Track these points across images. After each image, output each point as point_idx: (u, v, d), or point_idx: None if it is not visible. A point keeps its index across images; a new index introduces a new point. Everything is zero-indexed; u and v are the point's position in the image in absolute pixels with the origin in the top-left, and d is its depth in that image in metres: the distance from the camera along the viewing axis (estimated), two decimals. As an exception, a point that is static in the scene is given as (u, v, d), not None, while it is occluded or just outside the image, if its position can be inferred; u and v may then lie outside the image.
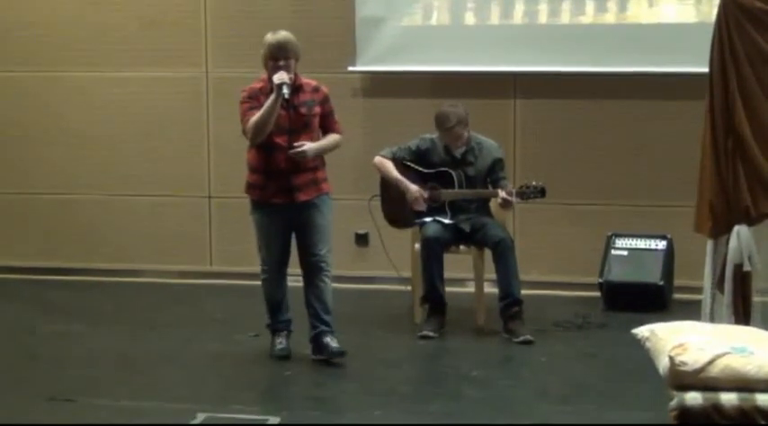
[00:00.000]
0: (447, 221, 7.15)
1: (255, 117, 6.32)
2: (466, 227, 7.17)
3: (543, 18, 7.93)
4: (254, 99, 6.41)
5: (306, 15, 8.22)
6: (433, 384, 6.29)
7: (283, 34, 6.39)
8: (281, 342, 6.62)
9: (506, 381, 6.29)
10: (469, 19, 8.06)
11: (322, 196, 6.51)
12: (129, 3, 8.51)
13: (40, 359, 6.70)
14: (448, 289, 7.15)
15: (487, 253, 7.19)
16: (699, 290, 6.38)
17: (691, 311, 6.37)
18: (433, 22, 8.13)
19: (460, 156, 7.19)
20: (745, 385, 4.52)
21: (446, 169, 7.17)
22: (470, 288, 7.44)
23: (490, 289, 7.27)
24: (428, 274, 7.04)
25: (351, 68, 8.09)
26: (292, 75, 6.35)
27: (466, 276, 7.53)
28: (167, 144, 8.57)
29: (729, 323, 5.92)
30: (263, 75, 6.47)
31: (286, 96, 6.27)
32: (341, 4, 8.14)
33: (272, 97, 6.28)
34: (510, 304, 6.98)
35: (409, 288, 7.52)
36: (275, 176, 6.41)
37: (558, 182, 7.66)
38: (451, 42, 8.06)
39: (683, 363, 4.56)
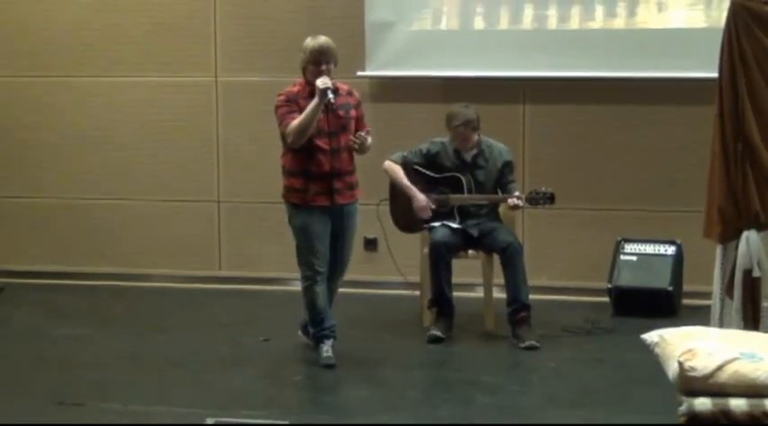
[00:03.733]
0: (455, 226, 7.15)
1: (297, 121, 6.34)
2: (474, 232, 7.17)
3: (552, 23, 7.93)
4: (292, 103, 6.43)
5: (315, 20, 8.21)
6: (442, 389, 6.28)
7: (324, 39, 6.44)
8: (327, 351, 6.55)
9: (515, 386, 6.29)
10: (479, 24, 8.06)
11: (355, 203, 6.64)
12: (138, 8, 8.53)
13: (49, 363, 6.71)
14: (457, 294, 7.15)
15: (496, 258, 7.19)
16: (708, 296, 6.38)
17: (700, 316, 6.37)
18: (443, 27, 8.13)
19: (471, 160, 7.19)
20: (754, 390, 4.51)
21: (455, 174, 7.16)
22: (479, 293, 7.44)
23: (499, 294, 7.27)
24: (436, 279, 7.04)
25: (360, 73, 8.09)
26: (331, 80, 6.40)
27: (475, 281, 7.52)
28: (176, 148, 8.59)
29: (738, 328, 5.91)
30: (300, 79, 6.50)
31: (332, 100, 6.31)
32: (350, 9, 8.15)
33: (316, 101, 6.30)
34: (518, 309, 6.98)
35: (417, 292, 7.51)
36: (317, 178, 6.45)
37: (567, 188, 7.67)
38: (461, 47, 8.06)
39: (693, 368, 4.55)
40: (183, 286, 8.58)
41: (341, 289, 7.94)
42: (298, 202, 6.51)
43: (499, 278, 7.17)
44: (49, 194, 8.80)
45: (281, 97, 6.47)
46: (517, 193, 7.06)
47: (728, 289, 6.10)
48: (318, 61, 6.35)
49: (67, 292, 8.44)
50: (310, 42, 6.41)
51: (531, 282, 7.11)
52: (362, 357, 6.67)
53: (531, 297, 7.06)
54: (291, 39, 8.27)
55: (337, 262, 6.63)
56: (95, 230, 8.75)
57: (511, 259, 7.01)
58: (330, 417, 5.81)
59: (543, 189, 7.11)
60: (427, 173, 7.24)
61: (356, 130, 6.56)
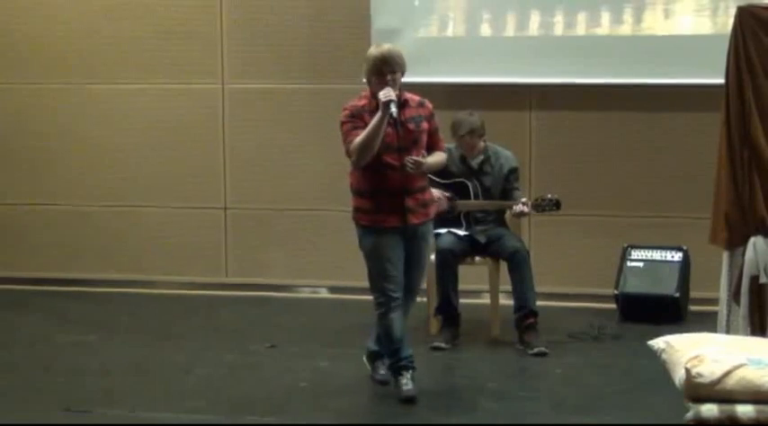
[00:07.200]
0: (462, 232, 7.15)
1: (360, 137, 5.86)
2: (481, 239, 7.17)
3: (559, 30, 7.93)
4: (357, 118, 5.95)
5: (321, 27, 8.24)
6: (449, 395, 6.28)
7: (387, 47, 6.02)
8: (406, 383, 6.07)
9: (522, 393, 6.28)
10: (485, 31, 8.06)
11: (428, 223, 6.18)
12: (145, 15, 8.54)
13: (55, 369, 6.72)
14: (464, 301, 7.15)
15: (503, 265, 7.19)
16: (715, 302, 6.38)
17: (707, 323, 6.36)
18: (449, 33, 8.14)
19: (477, 166, 7.20)
20: (761, 397, 4.51)
21: (462, 180, 7.17)
22: (486, 300, 7.43)
23: (506, 301, 7.27)
24: (442, 286, 7.03)
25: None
26: (398, 91, 5.94)
27: (482, 287, 7.52)
28: (183, 155, 8.59)
29: (745, 334, 5.92)
30: (365, 91, 6.06)
31: (394, 115, 5.84)
32: (357, 16, 8.15)
33: (379, 115, 5.83)
34: (525, 315, 6.97)
35: (424, 299, 7.51)
36: (387, 197, 5.98)
37: (573, 194, 7.67)
38: (467, 54, 8.06)
39: (699, 375, 4.56)
40: (190, 292, 8.58)
41: (347, 295, 8.03)
42: (367, 224, 6.04)
43: (505, 284, 7.18)
44: (55, 201, 8.81)
45: (346, 112, 6.00)
46: (524, 200, 7.06)
47: (735, 295, 6.10)
48: (382, 71, 5.89)
49: (74, 299, 8.44)
50: (373, 51, 5.99)
51: (537, 288, 7.10)
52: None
53: (538, 303, 7.06)
54: (298, 45, 8.32)
55: (408, 287, 6.15)
56: (102, 237, 8.76)
57: (518, 265, 7.00)
58: (336, 423, 5.82)
59: (549, 195, 7.11)
60: (434, 178, 7.23)
61: (429, 144, 6.11)
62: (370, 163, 5.93)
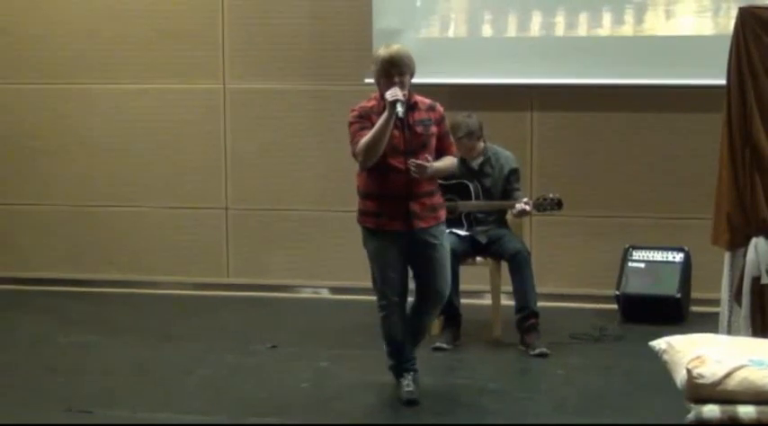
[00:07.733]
0: (463, 233, 7.15)
1: (366, 138, 5.79)
2: (482, 239, 7.17)
3: (560, 30, 7.93)
4: (365, 118, 5.87)
5: (323, 27, 8.24)
6: (450, 396, 6.27)
7: (396, 47, 5.92)
8: (408, 384, 6.07)
9: (523, 393, 6.28)
10: (486, 31, 8.06)
11: (440, 226, 6.05)
12: (145, 15, 8.53)
13: (57, 370, 6.71)
14: (465, 301, 7.15)
15: (504, 266, 7.19)
16: (716, 303, 6.38)
17: (708, 323, 6.36)
18: (450, 34, 8.14)
19: (478, 167, 7.19)
20: (762, 397, 4.51)
21: (463, 181, 7.16)
22: (487, 301, 7.43)
23: (507, 302, 7.26)
24: (444, 286, 7.04)
25: (368, 80, 8.05)
26: (406, 92, 5.85)
27: (483, 288, 7.51)
28: (184, 155, 8.59)
29: (747, 335, 5.92)
30: (374, 93, 6.00)
31: (400, 115, 5.76)
32: (358, 16, 8.15)
33: (385, 116, 5.76)
34: (526, 316, 6.97)
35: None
36: (391, 201, 5.91)
37: (574, 195, 7.66)
38: (468, 55, 8.06)
39: (701, 376, 4.55)
40: (191, 293, 8.59)
41: (348, 296, 8.02)
42: (371, 227, 5.98)
43: (506, 285, 7.17)
44: (56, 201, 8.80)
45: (354, 112, 5.94)
46: (525, 199, 7.05)
47: (737, 296, 6.10)
48: (390, 73, 5.81)
49: (75, 299, 8.44)
50: (382, 52, 5.90)
51: (538, 289, 7.11)
52: (370, 364, 6.66)
53: (539, 304, 7.06)
54: (300, 46, 8.32)
55: (431, 296, 6.11)
56: (103, 237, 8.76)
57: (519, 266, 7.00)
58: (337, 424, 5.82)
59: (551, 195, 7.11)
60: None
61: (439, 148, 6.02)
62: (376, 165, 5.87)
